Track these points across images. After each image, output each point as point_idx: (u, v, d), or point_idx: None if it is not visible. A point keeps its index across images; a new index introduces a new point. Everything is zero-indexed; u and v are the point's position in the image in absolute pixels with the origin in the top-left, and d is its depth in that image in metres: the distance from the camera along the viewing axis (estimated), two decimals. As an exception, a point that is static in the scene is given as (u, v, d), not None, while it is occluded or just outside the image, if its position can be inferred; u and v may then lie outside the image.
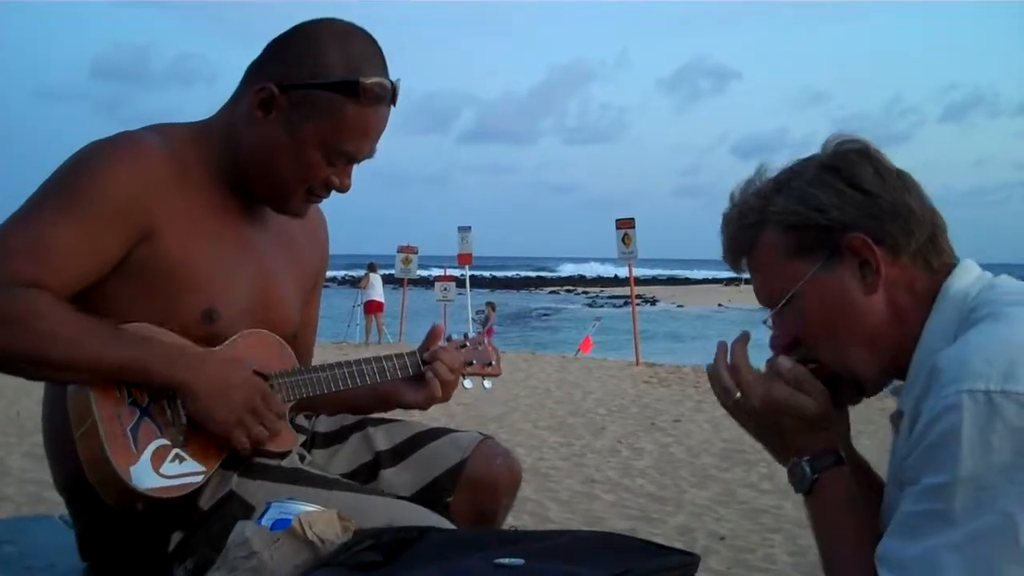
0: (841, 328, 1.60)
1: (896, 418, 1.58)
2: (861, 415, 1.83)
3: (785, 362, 1.64)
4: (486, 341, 2.55)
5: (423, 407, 2.37)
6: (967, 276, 1.58)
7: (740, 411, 1.69)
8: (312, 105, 2.02)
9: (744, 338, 1.72)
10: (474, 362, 2.49)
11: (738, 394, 1.67)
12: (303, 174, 2.08)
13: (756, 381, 1.66)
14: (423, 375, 2.33)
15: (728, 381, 1.68)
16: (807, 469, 1.63)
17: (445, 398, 2.37)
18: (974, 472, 1.33)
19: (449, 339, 2.51)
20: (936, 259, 1.60)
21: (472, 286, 25.77)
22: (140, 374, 1.92)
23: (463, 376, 2.47)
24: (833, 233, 1.57)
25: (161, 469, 1.91)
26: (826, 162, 1.62)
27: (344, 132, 2.04)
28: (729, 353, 1.71)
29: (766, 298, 1.68)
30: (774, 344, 1.69)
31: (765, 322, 1.70)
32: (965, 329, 1.50)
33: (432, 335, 2.40)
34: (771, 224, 1.63)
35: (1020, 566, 1.32)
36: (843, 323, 1.60)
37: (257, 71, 2.08)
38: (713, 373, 1.71)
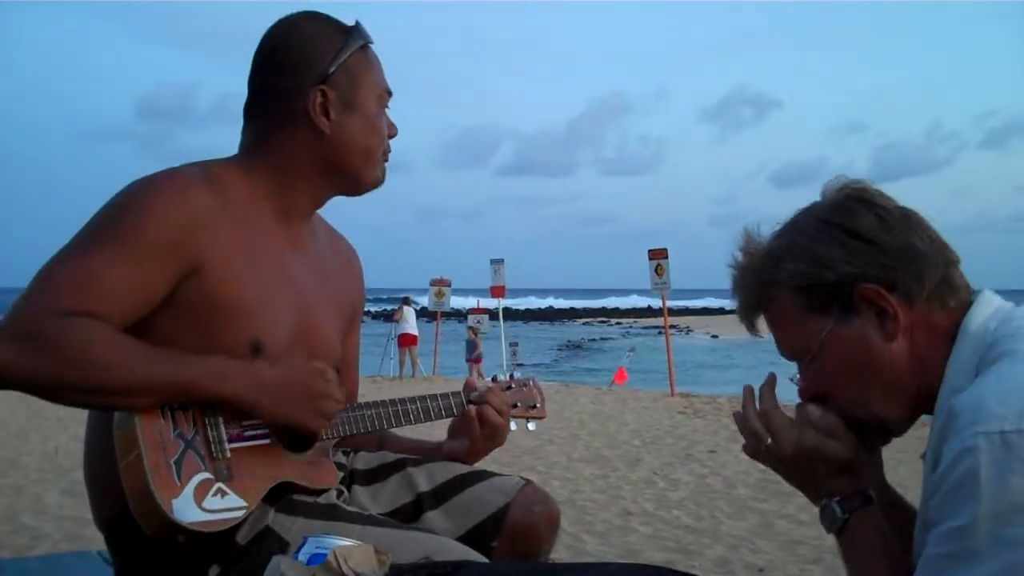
0: (865, 378, 1.62)
1: (926, 456, 1.58)
2: (895, 442, 1.82)
3: (815, 411, 1.66)
4: (531, 383, 2.54)
5: (470, 462, 2.39)
6: (986, 309, 1.59)
7: (770, 456, 1.71)
8: (351, 76, 2.16)
9: (771, 382, 1.73)
10: (519, 404, 2.48)
11: (769, 440, 1.69)
12: (380, 136, 2.22)
13: (787, 427, 1.68)
14: (466, 415, 2.36)
15: (759, 427, 1.70)
16: (838, 510, 1.65)
17: (500, 442, 2.40)
18: (994, 511, 1.33)
19: (494, 379, 2.51)
20: (952, 297, 1.60)
21: (505, 318, 25.80)
22: (193, 391, 1.93)
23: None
24: (844, 287, 1.58)
25: (204, 503, 1.91)
26: (826, 215, 1.63)
27: (377, 73, 2.22)
28: (758, 399, 1.72)
29: (788, 353, 1.70)
30: (802, 396, 1.70)
31: (792, 379, 1.71)
32: (986, 365, 1.50)
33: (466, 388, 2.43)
34: (782, 286, 1.64)
35: None
36: (867, 373, 1.61)
37: (277, 94, 2.15)
38: (742, 419, 1.73)
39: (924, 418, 1.67)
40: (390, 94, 2.26)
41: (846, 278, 1.58)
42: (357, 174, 2.21)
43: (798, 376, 1.70)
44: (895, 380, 1.60)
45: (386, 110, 2.25)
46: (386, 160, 2.26)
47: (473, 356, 24.32)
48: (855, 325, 1.59)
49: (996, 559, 1.33)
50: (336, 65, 2.13)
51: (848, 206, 1.62)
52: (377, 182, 2.26)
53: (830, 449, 1.64)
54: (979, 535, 1.34)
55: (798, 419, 1.68)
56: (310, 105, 2.12)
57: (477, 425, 2.33)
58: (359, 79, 2.17)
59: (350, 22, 2.22)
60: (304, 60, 2.13)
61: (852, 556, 1.64)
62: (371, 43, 2.22)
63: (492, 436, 2.38)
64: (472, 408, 2.34)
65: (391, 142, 2.27)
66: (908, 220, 1.61)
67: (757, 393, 1.73)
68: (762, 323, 1.72)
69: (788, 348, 1.69)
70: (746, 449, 1.75)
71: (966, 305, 1.60)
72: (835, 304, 1.60)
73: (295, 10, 2.22)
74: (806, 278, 1.61)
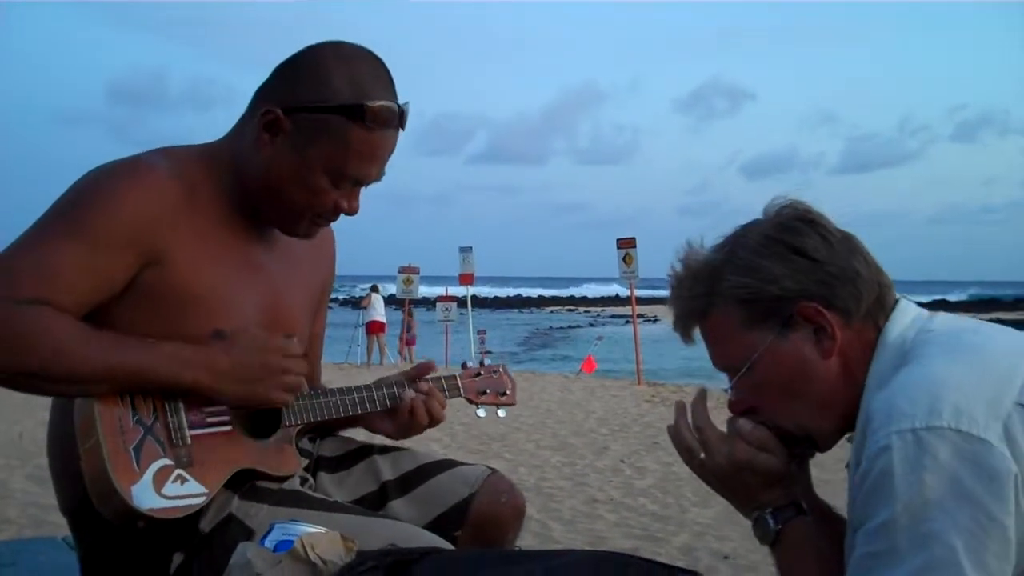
0: (799, 393, 1.65)
1: (850, 463, 1.62)
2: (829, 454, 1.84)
3: (746, 424, 1.69)
4: (501, 370, 2.55)
5: (395, 438, 2.36)
6: (903, 320, 1.63)
7: (704, 469, 1.73)
8: (317, 129, 2.01)
9: (702, 396, 1.76)
10: (488, 391, 2.49)
11: (702, 454, 1.71)
12: (310, 197, 2.07)
13: (720, 441, 1.70)
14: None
15: (692, 442, 1.73)
16: (771, 521, 1.68)
17: (416, 432, 2.35)
18: (910, 508, 1.38)
19: (464, 366, 2.52)
20: (883, 318, 1.64)
21: (474, 306, 25.81)
22: (151, 379, 1.92)
23: (477, 405, 2.48)
24: (784, 303, 1.61)
25: (163, 490, 1.90)
26: (771, 231, 1.65)
27: (350, 156, 2.03)
28: (690, 413, 1.74)
29: (722, 365, 1.72)
30: (733, 408, 1.73)
31: (726, 390, 1.73)
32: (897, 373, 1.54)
33: (421, 368, 2.39)
34: (722, 298, 1.66)
35: None
36: (801, 388, 1.64)
37: (263, 95, 2.08)
38: (676, 434, 1.75)
39: None
40: (357, 183, 2.08)
41: (787, 294, 1.61)
42: (271, 212, 2.12)
43: (730, 389, 1.72)
44: (826, 396, 1.64)
45: (354, 189, 2.10)
46: (320, 224, 2.16)
47: (408, 337, 24.62)
48: (791, 340, 1.62)
49: (916, 557, 1.37)
50: (311, 109, 2.00)
51: (792, 225, 1.64)
52: (293, 234, 2.16)
53: (762, 462, 1.67)
54: (898, 532, 1.39)
55: (729, 433, 1.71)
56: (258, 115, 2.03)
57: (406, 415, 2.31)
58: (325, 141, 2.01)
59: (403, 96, 2.06)
60: (295, 81, 2.04)
61: (786, 566, 1.68)
62: (384, 129, 2.03)
63: (408, 427, 2.34)
64: (407, 399, 2.30)
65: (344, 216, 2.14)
66: (849, 242, 1.65)
67: (689, 408, 1.75)
68: (697, 333, 1.73)
69: (722, 360, 1.72)
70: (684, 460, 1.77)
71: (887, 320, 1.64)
72: (774, 319, 1.62)
73: (369, 43, 2.08)
74: (748, 292, 1.63)
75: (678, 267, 1.73)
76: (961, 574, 1.36)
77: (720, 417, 1.73)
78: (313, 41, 2.10)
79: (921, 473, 1.38)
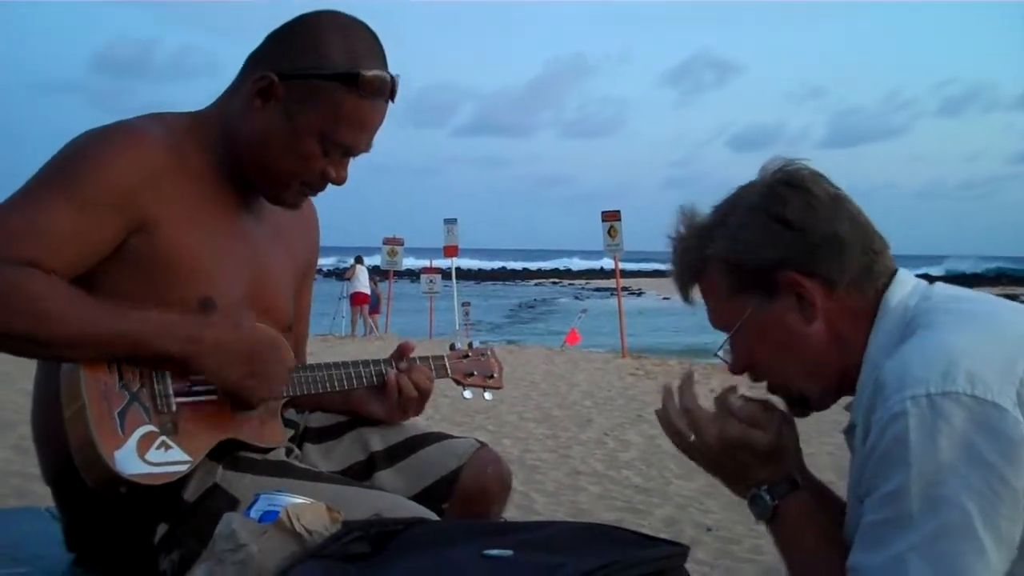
0: (785, 357, 1.67)
1: (849, 432, 1.64)
2: (811, 427, 1.84)
3: (736, 400, 1.70)
4: (489, 352, 2.55)
5: (387, 421, 2.36)
6: (903, 289, 1.64)
7: (695, 451, 1.73)
8: (311, 95, 2.02)
9: (689, 379, 1.76)
10: (475, 373, 2.49)
11: (692, 436, 1.71)
12: (299, 164, 2.07)
13: (709, 421, 1.70)
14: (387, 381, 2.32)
15: (681, 425, 1.73)
16: (767, 498, 1.68)
17: (415, 413, 2.36)
18: (923, 472, 1.39)
19: (453, 348, 2.52)
20: (872, 284, 1.64)
21: (458, 278, 25.80)
22: (140, 347, 1.91)
23: (463, 387, 2.48)
24: (766, 272, 1.63)
25: (146, 456, 1.90)
26: (757, 199, 1.66)
27: (342, 123, 2.04)
28: (678, 396, 1.74)
29: (718, 325, 1.74)
30: (733, 370, 1.74)
31: (716, 353, 1.75)
32: (906, 341, 1.54)
33: (401, 350, 2.38)
34: (712, 261, 1.68)
35: (981, 556, 1.38)
36: (786, 353, 1.66)
37: (257, 60, 2.08)
38: (664, 418, 1.75)
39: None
40: (346, 151, 2.09)
41: (767, 263, 1.62)
42: (260, 179, 2.12)
43: (726, 349, 1.74)
44: (815, 360, 1.65)
45: (343, 158, 2.10)
46: (307, 193, 2.17)
47: (374, 308, 24.75)
48: (775, 307, 1.64)
49: (928, 523, 1.39)
50: (306, 76, 2.01)
51: (778, 191, 1.65)
52: (280, 203, 2.17)
53: (754, 438, 1.68)
54: (911, 498, 1.40)
55: (719, 411, 1.71)
56: (252, 80, 2.04)
57: (395, 393, 2.31)
58: (318, 108, 2.02)
59: (394, 68, 2.07)
60: (291, 47, 2.05)
61: (787, 541, 1.68)
62: (376, 99, 2.04)
63: (405, 408, 2.34)
64: (392, 374, 2.31)
65: (330, 187, 2.15)
66: (836, 207, 1.64)
67: (676, 391, 1.75)
68: (696, 294, 1.75)
69: (716, 320, 1.74)
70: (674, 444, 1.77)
71: (886, 287, 1.65)
72: (757, 287, 1.64)
73: (354, 13, 2.09)
74: (733, 257, 1.65)
75: (678, 229, 1.75)
76: (975, 538, 1.38)
77: (707, 390, 1.74)
78: (297, 8, 2.10)
79: (936, 438, 1.39)
